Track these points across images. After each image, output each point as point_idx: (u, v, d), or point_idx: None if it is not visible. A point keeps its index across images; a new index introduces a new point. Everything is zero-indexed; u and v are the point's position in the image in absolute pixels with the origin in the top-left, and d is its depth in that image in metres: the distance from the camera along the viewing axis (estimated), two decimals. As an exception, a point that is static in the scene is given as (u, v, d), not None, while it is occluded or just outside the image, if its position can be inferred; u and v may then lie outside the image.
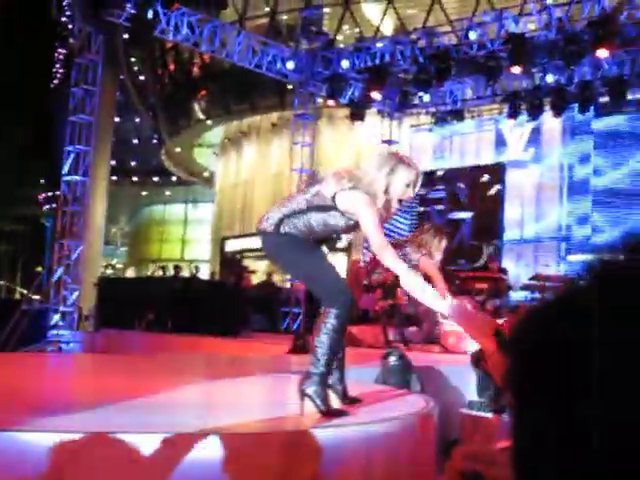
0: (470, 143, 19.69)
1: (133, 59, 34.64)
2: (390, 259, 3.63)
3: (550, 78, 15.65)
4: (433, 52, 15.01)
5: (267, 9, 25.92)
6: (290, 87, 19.63)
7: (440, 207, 18.49)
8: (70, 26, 28.42)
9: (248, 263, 23.66)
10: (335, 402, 3.81)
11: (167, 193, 43.38)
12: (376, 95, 16.23)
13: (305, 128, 17.51)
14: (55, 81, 36.98)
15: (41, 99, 35.50)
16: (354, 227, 3.80)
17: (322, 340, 3.64)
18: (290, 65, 16.62)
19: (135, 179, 42.86)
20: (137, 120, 39.68)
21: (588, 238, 17.25)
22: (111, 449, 2.71)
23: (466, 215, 17.51)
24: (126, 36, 31.61)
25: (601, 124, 17.37)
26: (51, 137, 30.23)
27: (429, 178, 17.14)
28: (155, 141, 37.60)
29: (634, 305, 0.59)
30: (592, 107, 16.10)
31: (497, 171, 17.89)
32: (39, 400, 3.94)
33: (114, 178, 34.30)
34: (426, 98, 17.72)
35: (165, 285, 16.27)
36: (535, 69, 15.69)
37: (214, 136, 32.16)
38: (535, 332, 0.65)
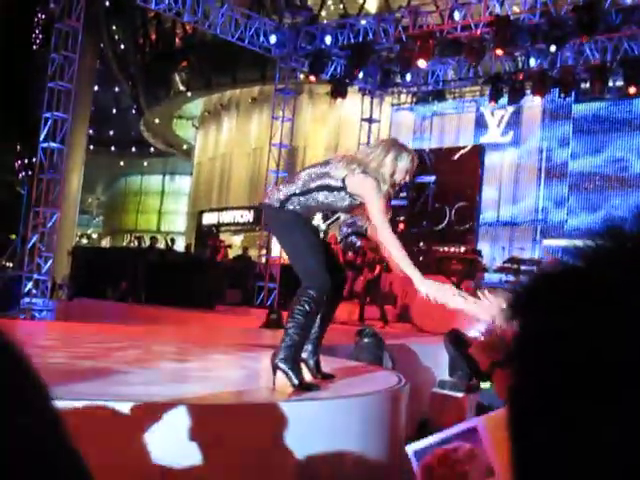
0: (450, 123, 19.71)
1: (114, 27, 34.20)
2: (390, 240, 3.73)
3: (533, 62, 15.68)
4: (416, 31, 14.96)
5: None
6: (272, 61, 19.49)
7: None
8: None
9: (224, 237, 23.65)
10: (307, 376, 3.84)
11: (145, 164, 43.02)
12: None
13: (286, 103, 17.43)
14: (34, 47, 36.39)
15: (19, 64, 34.86)
16: (356, 207, 3.96)
17: (296, 316, 3.70)
18: (273, 39, 16.51)
19: (113, 149, 42.41)
20: (116, 90, 39.22)
21: (564, 222, 17.40)
22: (79, 418, 2.69)
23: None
24: (108, 3, 31.25)
25: (581, 109, 17.47)
26: (27, 102, 29.78)
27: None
28: (134, 111, 37.24)
29: (619, 292, 0.58)
30: (573, 92, 16.16)
31: (475, 152, 17.89)
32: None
33: (91, 147, 33.92)
34: (408, 77, 17.69)
35: (141, 256, 16.19)
36: (518, 52, 15.69)
37: (194, 108, 31.93)
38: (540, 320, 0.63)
